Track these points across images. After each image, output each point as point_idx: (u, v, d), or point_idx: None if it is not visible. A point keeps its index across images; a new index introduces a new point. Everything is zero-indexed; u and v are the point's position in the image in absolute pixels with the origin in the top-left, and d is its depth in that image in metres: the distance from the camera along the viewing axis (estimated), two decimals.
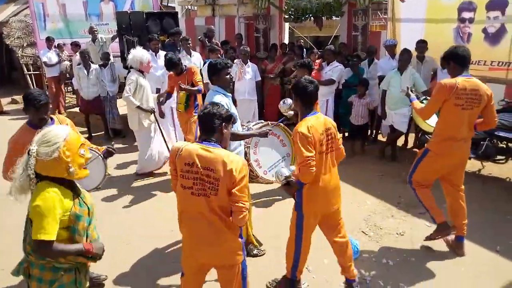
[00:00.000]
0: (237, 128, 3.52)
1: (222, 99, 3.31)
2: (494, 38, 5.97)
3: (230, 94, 3.51)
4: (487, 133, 5.11)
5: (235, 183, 2.24)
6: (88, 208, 2.21)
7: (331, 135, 2.94)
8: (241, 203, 2.25)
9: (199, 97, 5.44)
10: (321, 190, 2.95)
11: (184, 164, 2.32)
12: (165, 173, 5.76)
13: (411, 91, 3.97)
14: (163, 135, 5.75)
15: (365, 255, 3.74)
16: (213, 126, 2.38)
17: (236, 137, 3.38)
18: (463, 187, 3.72)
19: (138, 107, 5.37)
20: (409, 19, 6.99)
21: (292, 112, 4.26)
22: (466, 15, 6.19)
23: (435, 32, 6.63)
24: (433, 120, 3.78)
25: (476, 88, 3.41)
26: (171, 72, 5.44)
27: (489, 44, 6.05)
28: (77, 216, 2.11)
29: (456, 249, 3.76)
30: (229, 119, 2.46)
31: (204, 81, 6.35)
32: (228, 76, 3.43)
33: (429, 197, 3.75)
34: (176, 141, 6.27)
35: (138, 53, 5.41)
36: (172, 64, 5.29)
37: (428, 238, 3.80)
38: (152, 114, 5.53)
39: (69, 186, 2.15)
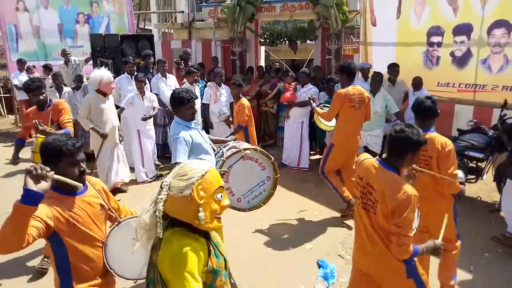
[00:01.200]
0: (208, 153, 3.39)
1: (185, 134, 3.19)
2: (461, 61, 6.20)
3: (194, 124, 3.38)
4: (458, 153, 5.21)
5: (394, 214, 2.20)
6: (225, 259, 1.76)
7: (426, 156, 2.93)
8: (400, 236, 2.18)
9: None
10: None
11: (358, 176, 2.49)
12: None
13: (313, 100, 5.14)
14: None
15: (342, 279, 3.68)
16: (402, 152, 2.30)
17: None
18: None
19: (92, 128, 5.14)
20: (381, 43, 7.20)
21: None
22: (435, 39, 6.43)
23: (405, 55, 6.84)
24: (327, 122, 5.13)
25: (361, 92, 4.60)
26: (32, 108, 4.15)
27: (456, 67, 6.27)
28: (214, 271, 1.66)
29: None
30: (421, 144, 2.31)
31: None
32: (190, 111, 3.29)
33: (337, 179, 4.85)
34: (142, 165, 6.16)
35: (98, 73, 5.12)
36: (27, 89, 4.07)
37: (343, 215, 4.89)
38: (114, 135, 5.29)
39: (203, 232, 1.71)
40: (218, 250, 1.74)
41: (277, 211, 5.12)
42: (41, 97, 3.96)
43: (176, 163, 3.14)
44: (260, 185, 3.70)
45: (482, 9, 5.84)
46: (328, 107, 5.29)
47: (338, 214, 5.05)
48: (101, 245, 2.21)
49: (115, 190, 5.64)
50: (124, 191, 5.82)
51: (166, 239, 1.62)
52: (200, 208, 1.60)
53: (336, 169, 4.88)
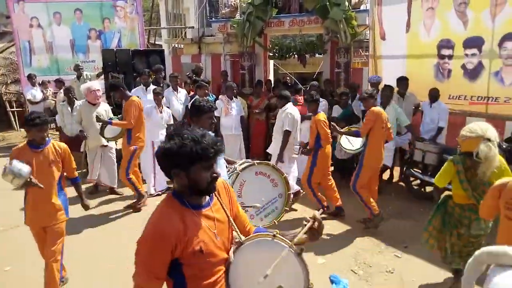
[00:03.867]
0: (222, 167, 3.37)
1: None
2: (472, 74, 6.17)
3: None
4: None
5: None
6: None
7: None
8: None
9: None
10: None
11: (510, 198, 2.47)
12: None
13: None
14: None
15: None
16: None
17: None
18: None
19: (80, 131, 5.95)
20: (390, 56, 7.21)
21: None
22: (445, 52, 6.42)
23: (416, 68, 6.83)
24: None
25: None
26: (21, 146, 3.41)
27: (468, 80, 6.24)
28: None
29: None
30: None
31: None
32: (209, 120, 3.27)
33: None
34: (154, 176, 6.22)
35: (85, 85, 6.07)
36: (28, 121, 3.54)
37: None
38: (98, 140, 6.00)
39: None
40: None
41: (287, 225, 5.06)
42: (44, 134, 3.35)
43: None
44: (272, 202, 3.65)
45: (492, 22, 5.83)
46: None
47: (350, 227, 4.99)
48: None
49: (111, 192, 6.40)
50: (120, 194, 6.36)
51: None
52: None
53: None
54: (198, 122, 3.26)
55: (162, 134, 6.32)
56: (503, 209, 2.52)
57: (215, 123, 3.40)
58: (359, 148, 5.14)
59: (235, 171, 3.49)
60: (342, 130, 5.13)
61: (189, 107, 5.49)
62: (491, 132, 2.98)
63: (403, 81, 6.36)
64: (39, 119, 3.20)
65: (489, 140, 2.94)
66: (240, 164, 3.59)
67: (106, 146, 6.22)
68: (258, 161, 3.66)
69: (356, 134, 4.98)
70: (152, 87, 6.74)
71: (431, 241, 3.53)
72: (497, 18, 5.77)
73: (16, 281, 3.93)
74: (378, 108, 4.82)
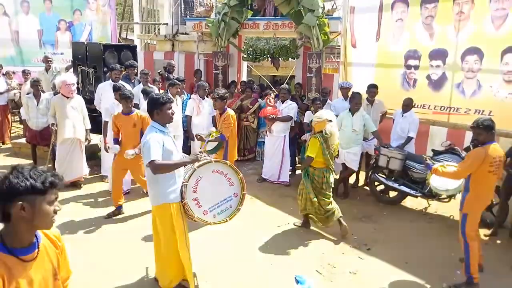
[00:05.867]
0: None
1: (156, 136, 3.20)
2: (436, 84, 6.46)
3: (168, 130, 3.38)
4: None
5: None
6: None
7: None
8: None
9: None
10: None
11: (493, 158, 3.56)
12: None
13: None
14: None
15: None
16: None
17: (167, 167, 3.23)
18: None
19: (52, 124, 6.11)
20: (360, 64, 7.42)
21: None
22: (412, 62, 6.69)
23: (384, 76, 7.06)
24: None
25: None
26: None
27: (432, 90, 6.52)
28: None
29: None
30: None
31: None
32: (169, 111, 3.30)
33: None
34: None
35: (60, 78, 6.10)
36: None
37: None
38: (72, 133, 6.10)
39: None
40: None
41: (255, 226, 5.13)
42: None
43: (150, 162, 3.11)
44: (227, 200, 3.65)
45: (456, 36, 6.14)
46: None
47: (316, 229, 5.11)
48: None
49: (71, 185, 6.29)
50: (80, 187, 6.34)
51: None
52: None
53: None
54: (158, 115, 3.29)
55: None
56: (488, 167, 3.55)
57: (174, 113, 3.42)
58: (216, 149, 5.33)
59: (192, 167, 3.51)
60: (209, 139, 4.98)
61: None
62: (330, 116, 4.58)
63: (372, 89, 6.54)
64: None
65: (330, 121, 4.44)
66: (199, 166, 3.60)
67: (78, 139, 6.24)
68: (216, 159, 3.70)
69: (222, 139, 5.18)
70: (122, 83, 6.58)
71: (302, 205, 4.89)
72: (461, 32, 6.08)
73: None
74: (232, 111, 5.34)
